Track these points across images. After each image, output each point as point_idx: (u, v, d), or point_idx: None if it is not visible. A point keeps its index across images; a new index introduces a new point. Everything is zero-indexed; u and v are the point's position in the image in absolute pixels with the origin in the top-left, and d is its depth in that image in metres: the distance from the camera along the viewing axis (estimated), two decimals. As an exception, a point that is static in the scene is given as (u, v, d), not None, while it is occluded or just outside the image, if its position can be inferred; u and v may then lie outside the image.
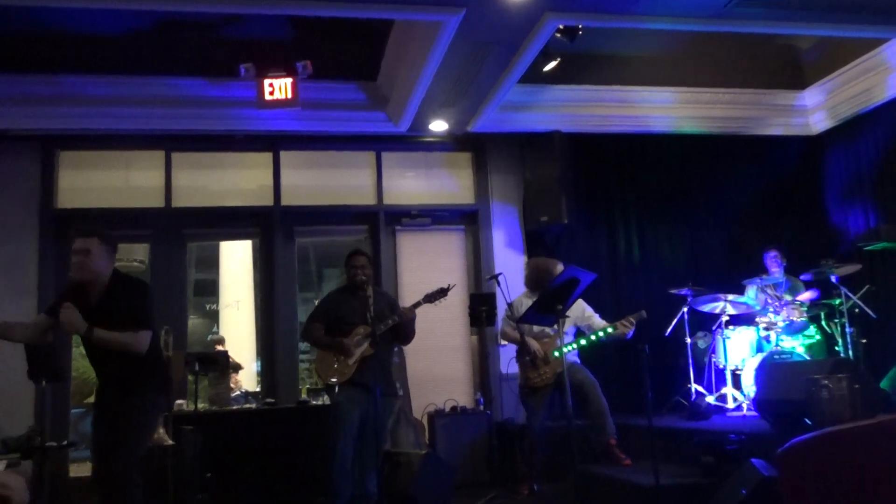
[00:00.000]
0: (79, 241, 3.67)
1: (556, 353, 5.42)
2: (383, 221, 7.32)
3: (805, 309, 6.40)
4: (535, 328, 5.54)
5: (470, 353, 7.36)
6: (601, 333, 5.46)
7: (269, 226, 7.16)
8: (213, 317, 12.39)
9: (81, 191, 6.80)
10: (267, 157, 7.16)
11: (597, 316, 5.71)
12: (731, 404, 6.14)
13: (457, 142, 7.44)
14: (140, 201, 6.89)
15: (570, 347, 5.46)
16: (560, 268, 5.53)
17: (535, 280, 5.80)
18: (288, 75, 6.29)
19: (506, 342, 6.03)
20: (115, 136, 6.73)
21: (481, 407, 6.71)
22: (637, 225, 7.62)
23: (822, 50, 7.51)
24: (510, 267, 6.77)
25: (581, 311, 5.70)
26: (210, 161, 7.14)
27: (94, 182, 6.86)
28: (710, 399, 6.23)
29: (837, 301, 6.08)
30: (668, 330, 6.56)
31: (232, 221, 7.36)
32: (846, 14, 5.47)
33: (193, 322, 11.82)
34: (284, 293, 7.07)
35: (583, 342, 5.54)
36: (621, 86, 7.39)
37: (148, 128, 6.67)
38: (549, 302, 4.43)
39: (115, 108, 6.52)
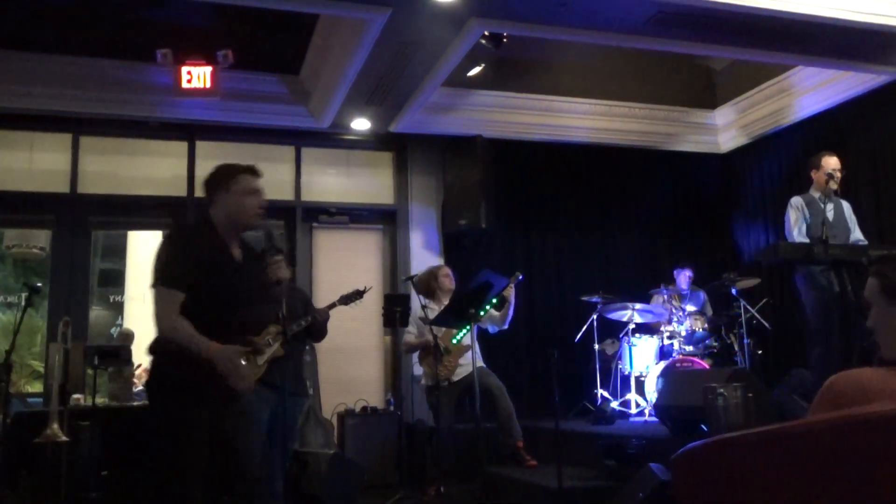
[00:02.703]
0: (256, 179, 3.05)
1: (454, 340, 5.49)
2: (300, 217, 7.23)
3: (705, 320, 6.66)
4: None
5: (382, 354, 7.34)
6: (492, 303, 5.51)
7: (182, 217, 6.93)
8: (118, 308, 11.94)
9: (-21, 171, 6.44)
10: (182, 146, 6.96)
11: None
12: (634, 410, 6.33)
13: (379, 141, 7.41)
14: (43, 185, 6.57)
15: (464, 332, 5.46)
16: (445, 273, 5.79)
17: (424, 286, 5.85)
18: (208, 64, 6.12)
19: (408, 352, 6.09)
20: (19, 115, 6.39)
21: (392, 408, 6.69)
22: (553, 232, 7.77)
23: (734, 72, 7.85)
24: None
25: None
26: (121, 147, 6.88)
27: (-6, 163, 6.51)
28: (615, 404, 6.41)
29: (736, 313, 6.36)
30: (578, 336, 6.72)
31: (142, 211, 7.11)
32: (757, 40, 5.73)
33: (97, 313, 11.33)
34: (195, 287, 6.87)
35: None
36: (544, 95, 7.53)
37: (55, 109, 6.37)
38: (462, 306, 4.47)
39: (20, 86, 6.20)
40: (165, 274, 2.86)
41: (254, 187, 3.03)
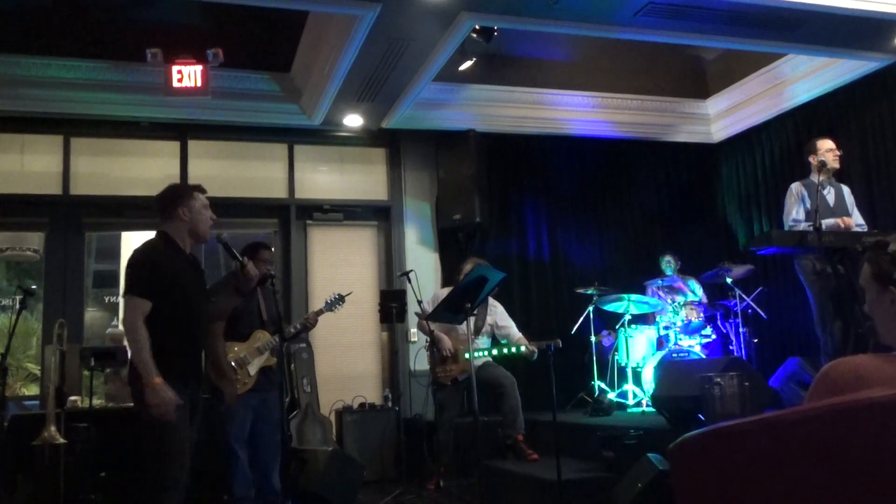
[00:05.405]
0: (204, 195, 3.49)
1: (466, 355, 5.48)
2: (294, 215, 7.21)
3: (700, 311, 6.67)
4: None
5: (379, 350, 7.34)
6: (513, 349, 5.56)
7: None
8: (114, 310, 11.91)
9: (-30, 175, 6.41)
10: (174, 145, 6.93)
11: (514, 327, 5.79)
12: (631, 400, 6.35)
13: (371, 137, 7.40)
14: (35, 187, 6.55)
15: (480, 353, 5.53)
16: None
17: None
18: (198, 62, 6.07)
19: (420, 337, 6.10)
20: (10, 117, 6.37)
21: (389, 403, 6.70)
22: (547, 225, 7.76)
23: (725, 61, 7.85)
24: (422, 264, 6.81)
25: (499, 317, 5.78)
26: (113, 148, 6.85)
27: (-15, 166, 6.48)
28: (612, 395, 6.43)
29: (732, 302, 6.38)
30: (574, 328, 6.73)
31: (135, 211, 7.07)
32: (746, 29, 5.73)
33: (92, 315, 11.31)
34: (190, 286, 6.86)
35: (494, 352, 5.63)
36: (536, 88, 7.52)
37: (45, 110, 6.34)
38: (458, 300, 4.46)
39: (10, 89, 6.18)
40: (134, 283, 3.15)
41: (207, 202, 3.45)
